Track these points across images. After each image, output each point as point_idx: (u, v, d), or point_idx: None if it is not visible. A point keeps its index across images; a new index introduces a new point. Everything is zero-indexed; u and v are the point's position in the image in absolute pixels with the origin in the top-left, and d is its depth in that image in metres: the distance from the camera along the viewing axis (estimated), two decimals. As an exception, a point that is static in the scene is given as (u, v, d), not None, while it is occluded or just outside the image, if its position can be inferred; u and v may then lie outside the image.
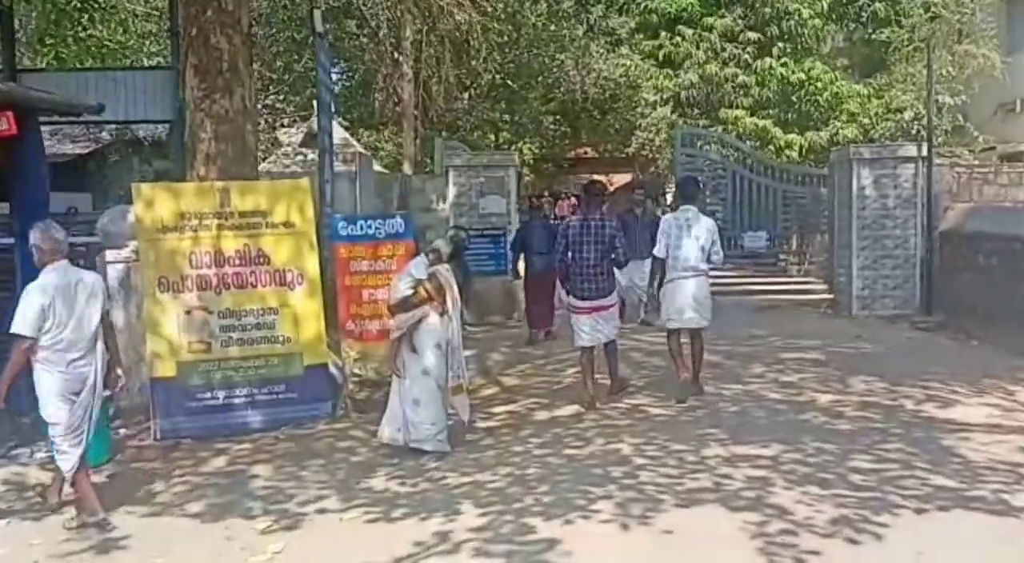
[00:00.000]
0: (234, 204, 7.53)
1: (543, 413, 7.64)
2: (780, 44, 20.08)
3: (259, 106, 23.30)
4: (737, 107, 20.06)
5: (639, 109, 38.64)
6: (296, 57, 25.72)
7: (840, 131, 18.58)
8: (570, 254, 7.79)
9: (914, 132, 16.64)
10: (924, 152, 12.66)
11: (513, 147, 34.03)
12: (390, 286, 6.78)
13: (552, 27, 33.37)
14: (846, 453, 6.11)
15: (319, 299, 7.71)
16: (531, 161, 40.32)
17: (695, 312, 7.79)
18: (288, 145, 22.37)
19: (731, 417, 7.20)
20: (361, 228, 7.81)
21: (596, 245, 7.70)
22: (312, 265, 7.69)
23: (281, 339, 7.60)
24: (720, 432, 6.74)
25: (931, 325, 12.01)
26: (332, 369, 7.89)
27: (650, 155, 43.01)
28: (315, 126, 19.80)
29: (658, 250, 7.81)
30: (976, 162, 13.58)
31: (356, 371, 7.83)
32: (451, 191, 13.21)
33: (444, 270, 6.69)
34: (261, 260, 7.58)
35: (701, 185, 9.75)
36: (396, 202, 12.76)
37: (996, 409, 7.38)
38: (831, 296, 13.87)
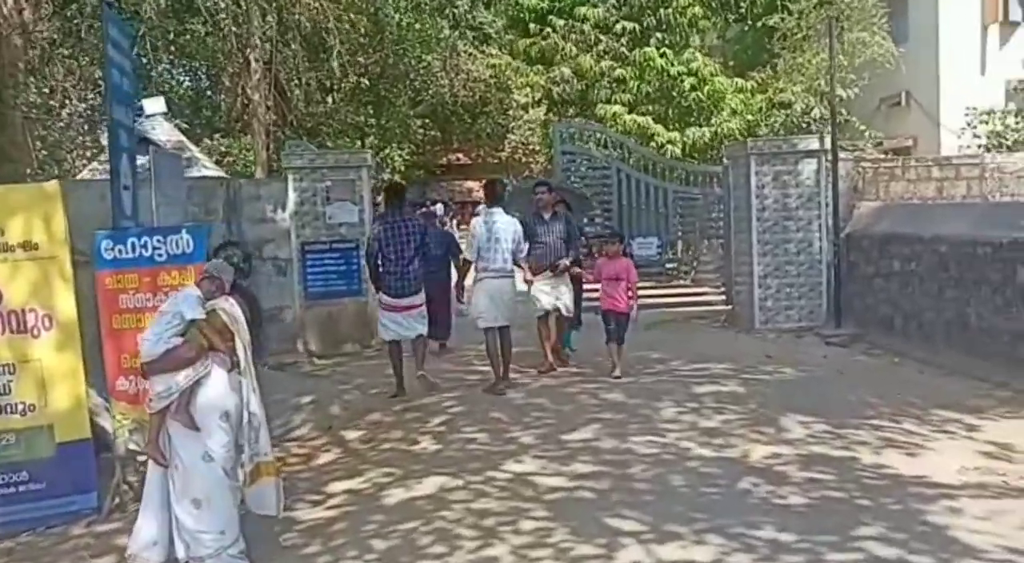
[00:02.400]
0: (-56, 219, 5.27)
1: (396, 491, 5.65)
2: (658, 34, 18.80)
3: (82, 106, 20.44)
4: (615, 103, 18.64)
5: (511, 112, 37.23)
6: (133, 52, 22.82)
7: (724, 125, 17.36)
8: (382, 255, 8.08)
9: (805, 126, 15.51)
10: (827, 145, 11.32)
11: (381, 153, 32.01)
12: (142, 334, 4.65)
13: (417, 26, 31.44)
14: (811, 548, 4.38)
15: (76, 349, 5.52)
16: (402, 168, 38.26)
17: (501, 311, 8.18)
18: (114, 150, 19.60)
19: (648, 489, 5.38)
20: (133, 248, 5.60)
21: (407, 245, 8.06)
22: (65, 302, 5.50)
23: (20, 408, 5.39)
24: (635, 516, 4.91)
25: (844, 339, 10.64)
26: (110, 433, 5.74)
27: (523, 159, 41.67)
28: (142, 129, 17.00)
29: (469, 253, 8.30)
30: (882, 156, 12.38)
31: (132, 446, 5.66)
32: (291, 198, 11.04)
33: (228, 305, 4.66)
34: (-12, 297, 5.34)
35: (506, 186, 9.70)
36: (222, 212, 10.52)
37: (968, 454, 5.86)
38: (729, 307, 12.42)
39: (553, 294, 8.88)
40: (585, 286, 9.72)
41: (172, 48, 27.28)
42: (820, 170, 11.37)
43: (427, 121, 41.43)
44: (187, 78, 31.53)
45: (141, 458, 5.90)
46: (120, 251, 5.64)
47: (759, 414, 6.96)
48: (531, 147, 37.39)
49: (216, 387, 4.50)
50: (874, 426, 6.58)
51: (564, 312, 8.98)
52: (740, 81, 18.00)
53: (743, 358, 9.54)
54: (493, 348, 8.17)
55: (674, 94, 18.31)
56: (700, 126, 17.90)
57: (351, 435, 7.05)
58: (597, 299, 9.12)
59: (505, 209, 8.49)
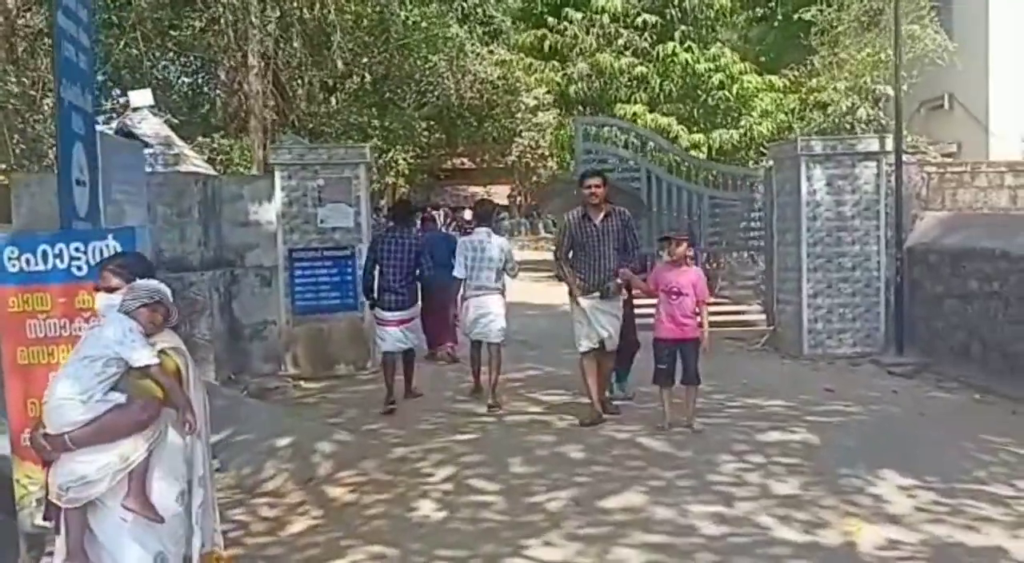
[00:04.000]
0: None
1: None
2: (682, 28, 17.45)
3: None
4: (635, 102, 17.29)
5: (519, 115, 35.97)
6: (116, 43, 21.56)
7: (754, 127, 16.00)
8: (379, 268, 8.16)
9: (849, 128, 14.15)
10: (888, 147, 9.96)
11: (385, 156, 30.83)
12: (51, 384, 3.28)
13: (424, 24, 30.23)
14: None
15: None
16: (406, 171, 36.98)
17: (493, 326, 8.06)
18: (97, 145, 18.24)
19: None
20: (44, 258, 4.25)
21: (404, 260, 8.11)
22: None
23: None
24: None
25: (908, 369, 9.28)
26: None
27: (531, 163, 40.38)
28: (127, 123, 15.69)
29: (458, 271, 8.25)
30: (948, 160, 11.01)
31: (39, 522, 4.30)
32: (278, 197, 9.70)
33: (178, 342, 3.33)
34: None
35: (496, 206, 9.97)
36: (198, 213, 9.14)
37: None
38: (771, 328, 11.03)
39: (596, 323, 7.08)
40: (637, 302, 7.93)
41: (166, 40, 26.08)
42: (880, 175, 10.00)
43: (432, 124, 40.30)
44: (181, 73, 30.19)
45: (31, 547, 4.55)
46: (28, 262, 4.26)
47: (844, 475, 5.57)
48: (540, 152, 36.08)
49: (173, 459, 3.19)
50: (993, 495, 5.20)
51: (608, 345, 7.13)
52: (773, 79, 16.63)
53: (798, 391, 8.21)
54: (476, 356, 8.35)
55: (699, 93, 16.99)
56: (727, 128, 16.53)
57: (335, 491, 5.67)
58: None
59: (494, 228, 8.64)
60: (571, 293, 7.23)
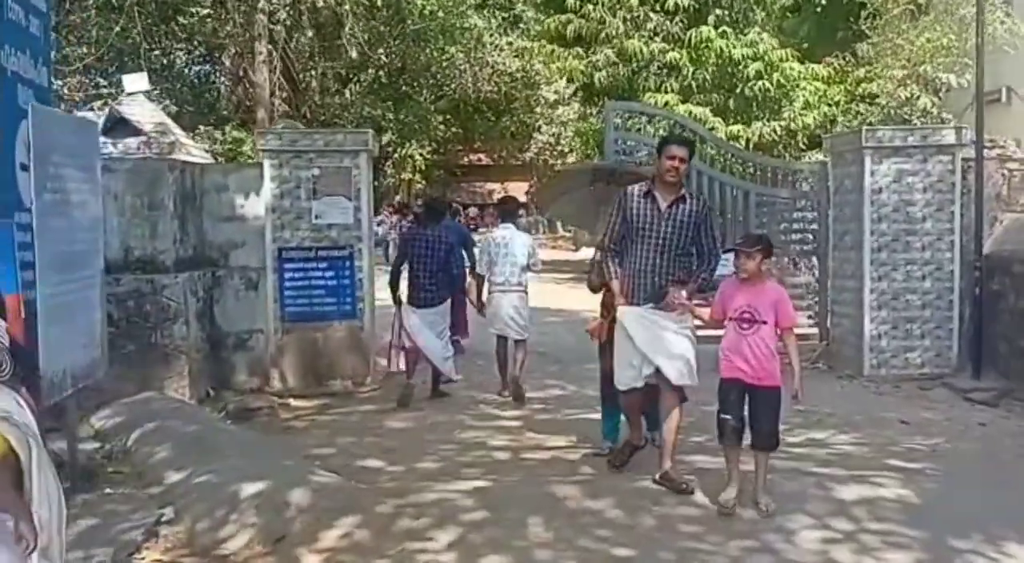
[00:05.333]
0: None
1: None
2: (717, 11, 16.17)
3: (57, 83, 18.11)
4: (666, 92, 16.03)
5: (538, 109, 34.76)
6: (114, 25, 20.48)
7: (799, 118, 14.72)
8: (409, 266, 8.10)
9: (907, 120, 12.85)
10: (965, 139, 8.71)
11: (400, 151, 29.76)
12: None
13: (441, 13, 29.13)
14: None
15: None
16: (422, 167, 35.96)
17: (514, 323, 8.16)
18: (90, 132, 17.09)
19: None
20: None
21: (433, 258, 8.00)
22: None
23: None
24: None
25: (988, 396, 8.04)
26: None
27: (550, 160, 39.20)
28: (120, 109, 14.55)
29: (480, 268, 8.53)
30: (1033, 154, 9.70)
31: None
32: (267, 189, 8.52)
33: (14, 406, 2.12)
34: None
35: (520, 203, 10.09)
36: (174, 206, 7.95)
37: None
38: (823, 343, 9.78)
39: (647, 344, 5.14)
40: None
41: (171, 26, 25.01)
42: (955, 171, 8.75)
43: (449, 118, 39.24)
44: (188, 61, 29.10)
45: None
46: None
47: (960, 550, 4.32)
48: (560, 148, 34.93)
49: None
50: None
51: (676, 378, 5.14)
52: (816, 67, 15.31)
53: (868, 423, 7.03)
54: (502, 354, 8.36)
55: (736, 82, 15.66)
56: (767, 120, 15.24)
57: (309, 558, 4.46)
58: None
59: (516, 224, 8.64)
60: (611, 302, 5.47)
